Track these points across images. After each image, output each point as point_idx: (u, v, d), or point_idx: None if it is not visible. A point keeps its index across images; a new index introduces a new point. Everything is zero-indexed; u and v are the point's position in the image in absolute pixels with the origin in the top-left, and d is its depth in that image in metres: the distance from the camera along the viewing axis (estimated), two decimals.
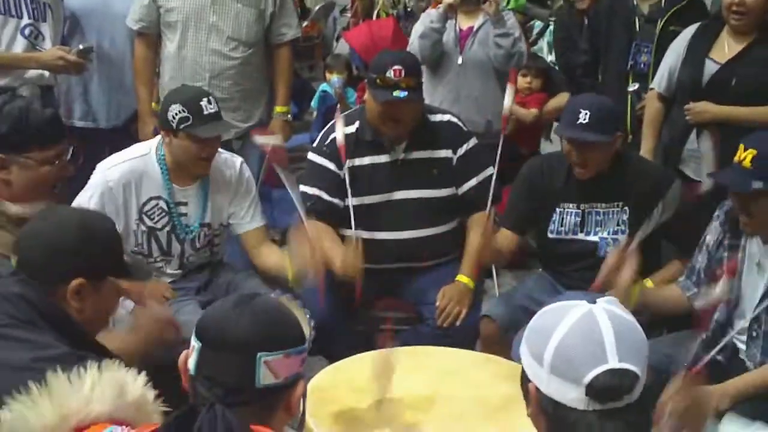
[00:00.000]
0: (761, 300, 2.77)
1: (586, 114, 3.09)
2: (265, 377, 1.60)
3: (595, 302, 1.58)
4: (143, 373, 1.74)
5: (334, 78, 5.81)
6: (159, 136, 3.28)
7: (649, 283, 3.12)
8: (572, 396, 1.52)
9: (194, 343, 1.65)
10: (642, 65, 4.28)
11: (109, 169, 3.22)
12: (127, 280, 2.29)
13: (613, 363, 1.51)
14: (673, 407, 2.29)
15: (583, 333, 1.54)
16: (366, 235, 3.38)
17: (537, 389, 1.57)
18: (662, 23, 4.22)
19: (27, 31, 3.88)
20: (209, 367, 1.62)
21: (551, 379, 1.54)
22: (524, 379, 1.62)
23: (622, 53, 4.34)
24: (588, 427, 1.51)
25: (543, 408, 1.57)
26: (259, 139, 3.18)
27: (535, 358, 1.57)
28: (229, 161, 3.38)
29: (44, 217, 2.16)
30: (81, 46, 3.86)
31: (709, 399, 2.62)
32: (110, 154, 3.35)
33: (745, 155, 2.66)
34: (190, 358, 1.65)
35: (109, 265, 2.13)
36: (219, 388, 1.60)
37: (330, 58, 6.48)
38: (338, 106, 5.09)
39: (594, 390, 1.50)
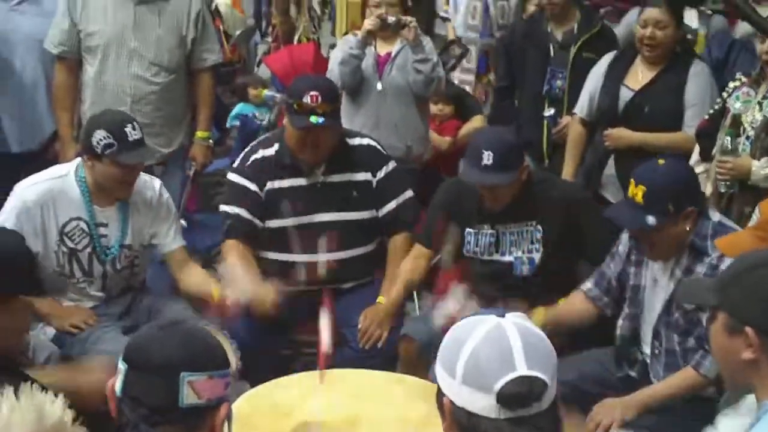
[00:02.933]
0: (659, 317, 2.88)
1: (489, 155, 3.10)
2: (188, 397, 1.62)
3: (503, 316, 1.63)
4: (60, 396, 1.74)
5: (267, 93, 5.83)
6: (78, 158, 3.26)
7: (562, 302, 3.20)
8: (484, 404, 1.55)
9: (120, 366, 1.66)
10: (557, 90, 4.40)
11: (27, 189, 3.20)
12: (39, 297, 2.24)
13: (522, 370, 1.55)
14: None
15: (493, 343, 1.57)
16: (286, 257, 3.40)
17: (451, 402, 1.60)
18: (575, 50, 4.35)
19: None
20: (134, 388, 1.63)
21: (463, 390, 1.57)
22: (439, 395, 1.65)
23: (537, 78, 4.45)
24: None
25: (457, 420, 1.60)
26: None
27: (448, 371, 1.60)
28: (149, 183, 3.38)
29: None
30: None
31: (606, 414, 2.74)
32: (23, 178, 3.31)
33: (636, 191, 2.75)
34: (117, 381, 1.66)
35: (18, 283, 2.09)
36: (143, 408, 1.61)
37: (243, 78, 6.50)
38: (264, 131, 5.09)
39: (504, 397, 1.53)
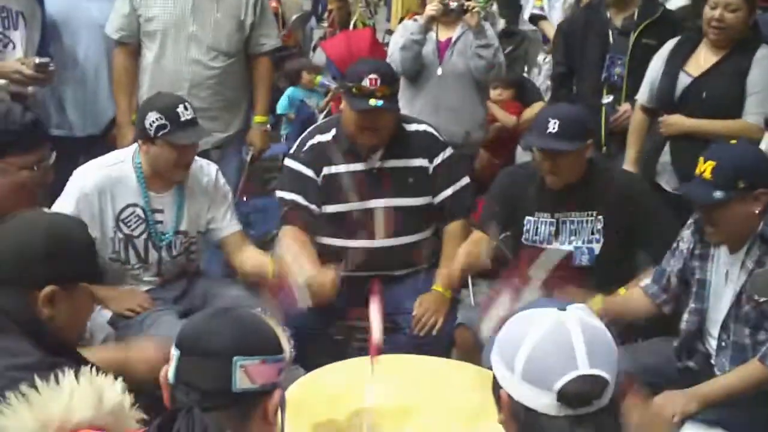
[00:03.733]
0: (728, 310, 2.81)
1: (555, 123, 3.12)
2: (241, 381, 1.62)
3: (565, 309, 1.60)
4: (120, 380, 1.75)
5: (322, 79, 5.84)
6: (135, 144, 3.28)
7: (622, 291, 3.16)
8: (543, 402, 1.53)
9: (173, 352, 1.67)
10: (616, 77, 4.32)
11: (85, 176, 3.23)
12: (100, 285, 2.26)
13: (584, 369, 1.52)
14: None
15: (554, 340, 1.55)
16: (341, 243, 3.40)
17: (509, 396, 1.59)
18: (635, 36, 4.27)
19: None
20: (187, 373, 1.63)
21: (522, 386, 1.56)
22: (496, 387, 1.63)
23: (596, 65, 4.38)
24: (559, 431, 1.54)
25: (514, 414, 1.58)
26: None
27: (507, 365, 1.59)
28: (205, 168, 3.40)
29: (12, 223, 2.11)
30: (37, 60, 3.77)
31: (667, 406, 2.67)
32: (85, 162, 3.35)
33: (704, 167, 2.71)
34: (170, 368, 1.67)
35: (82, 271, 2.10)
36: (196, 392, 1.61)
37: (297, 62, 6.51)
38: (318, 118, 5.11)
39: (565, 396, 1.52)
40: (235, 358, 1.61)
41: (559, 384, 1.52)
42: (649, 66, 4.03)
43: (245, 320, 1.70)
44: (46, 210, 2.26)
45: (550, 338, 1.56)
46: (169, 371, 1.66)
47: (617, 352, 1.61)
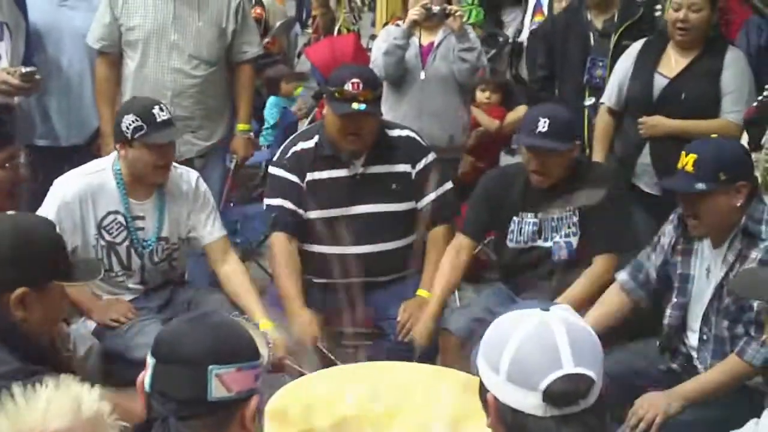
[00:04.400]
0: (709, 303, 2.83)
1: (545, 122, 3.15)
2: (216, 390, 1.61)
3: (548, 310, 1.61)
4: (97, 387, 1.74)
5: (302, 91, 5.85)
6: (115, 152, 3.28)
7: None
8: (530, 403, 1.53)
9: (149, 360, 1.66)
10: (597, 80, 4.33)
11: (66, 185, 3.22)
12: (71, 282, 2.24)
13: (569, 368, 1.53)
14: None
15: (538, 340, 1.55)
16: (326, 249, 3.40)
17: (495, 399, 1.58)
18: (616, 38, 4.28)
19: None
20: (163, 381, 1.63)
21: (508, 388, 1.55)
22: (482, 390, 1.63)
23: (577, 68, 4.39)
24: None
25: (501, 417, 1.58)
26: None
27: (492, 367, 1.58)
28: (185, 175, 3.40)
29: None
30: (23, 69, 3.73)
31: (650, 407, 2.69)
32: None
33: (686, 160, 2.75)
34: (146, 375, 1.66)
35: (52, 270, 2.09)
36: (172, 402, 1.61)
37: (273, 71, 6.52)
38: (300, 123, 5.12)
39: (551, 396, 1.52)
40: (210, 366, 1.61)
41: (544, 384, 1.52)
42: (615, 68, 4.05)
43: (221, 327, 1.69)
44: (10, 212, 2.24)
45: (534, 338, 1.56)
46: (146, 379, 1.66)
47: (601, 351, 1.61)
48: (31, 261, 2.03)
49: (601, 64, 4.32)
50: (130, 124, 3.13)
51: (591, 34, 4.38)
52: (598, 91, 4.31)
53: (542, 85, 4.71)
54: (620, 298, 3.08)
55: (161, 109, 3.18)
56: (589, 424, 1.54)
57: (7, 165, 2.62)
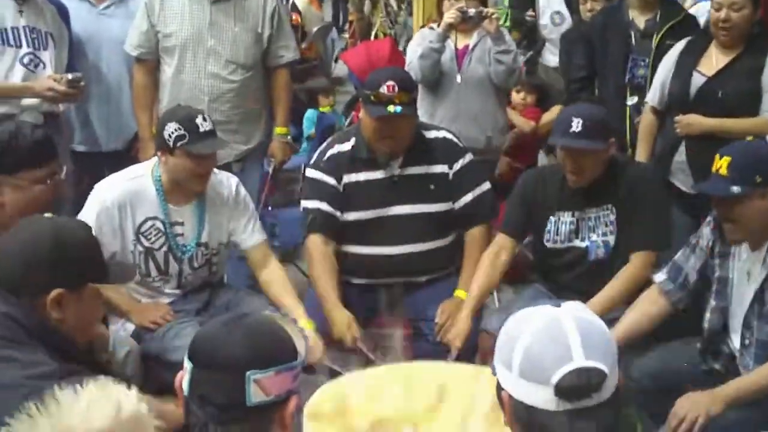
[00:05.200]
0: (750, 307, 2.79)
1: (579, 122, 3.13)
2: (255, 395, 1.61)
3: (559, 306, 1.62)
4: (134, 387, 1.76)
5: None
6: (155, 158, 3.31)
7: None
8: (542, 397, 1.54)
9: (186, 364, 1.66)
10: (639, 79, 4.30)
11: (106, 190, 3.25)
12: (108, 284, 2.26)
13: (579, 361, 1.53)
14: None
15: (549, 335, 1.56)
16: (363, 250, 3.41)
17: (510, 396, 1.59)
18: (658, 38, 4.25)
19: (26, 60, 3.91)
20: (201, 387, 1.63)
21: (521, 383, 1.56)
22: (498, 388, 1.64)
23: (618, 68, 4.37)
24: (560, 427, 1.53)
25: (516, 413, 1.59)
26: None
27: (505, 364, 1.59)
28: (225, 181, 3.41)
29: (17, 230, 2.14)
30: (70, 76, 3.86)
31: (692, 408, 2.65)
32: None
33: (720, 163, 2.72)
34: (184, 379, 1.67)
35: (88, 272, 2.12)
36: (211, 407, 1.61)
37: (316, 83, 6.55)
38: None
39: (562, 389, 1.52)
40: (248, 372, 1.60)
41: (555, 378, 1.52)
42: (659, 68, 4.03)
43: (257, 330, 1.68)
44: (47, 215, 2.28)
45: (545, 333, 1.57)
46: (184, 382, 1.66)
47: (615, 346, 1.61)
48: (68, 263, 2.06)
49: (643, 63, 4.28)
50: (172, 133, 3.14)
51: (632, 34, 4.35)
52: (640, 90, 4.28)
53: (581, 85, 4.68)
54: (659, 301, 3.05)
55: (204, 119, 3.19)
56: (603, 418, 1.54)
57: (48, 181, 2.64)
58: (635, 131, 4.33)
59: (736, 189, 2.67)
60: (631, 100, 4.34)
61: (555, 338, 1.55)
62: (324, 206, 3.44)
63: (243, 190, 3.46)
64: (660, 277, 3.06)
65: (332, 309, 3.27)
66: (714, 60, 3.81)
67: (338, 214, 3.45)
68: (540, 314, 1.60)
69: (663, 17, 4.30)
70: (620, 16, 4.43)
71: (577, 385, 1.52)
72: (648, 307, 3.05)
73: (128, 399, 1.71)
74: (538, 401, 1.54)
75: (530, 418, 1.56)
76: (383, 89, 3.28)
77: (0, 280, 2.03)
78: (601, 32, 4.52)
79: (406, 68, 4.45)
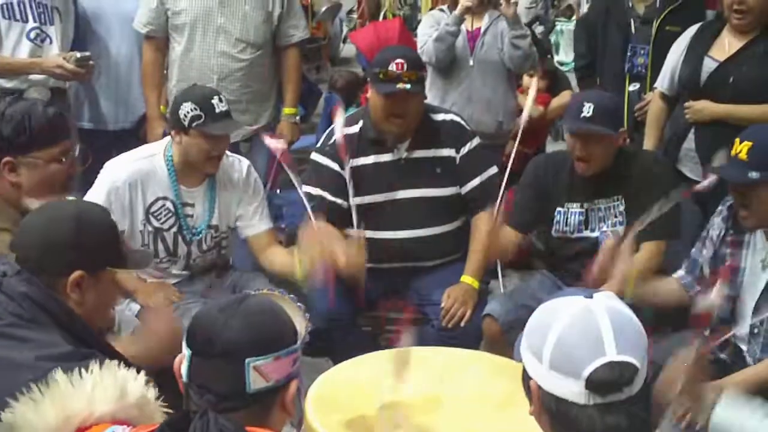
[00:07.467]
0: (761, 295, 2.77)
1: (590, 107, 3.12)
2: (255, 382, 1.60)
3: (592, 297, 1.60)
4: (143, 372, 1.76)
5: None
6: (167, 138, 3.30)
7: None
8: (573, 390, 1.53)
9: (185, 350, 1.65)
10: (639, 67, 4.29)
11: (117, 169, 3.24)
12: (126, 270, 2.27)
13: (612, 355, 1.51)
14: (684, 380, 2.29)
15: (581, 327, 1.55)
16: (369, 234, 3.39)
17: (538, 386, 1.58)
18: (658, 24, 4.21)
19: (32, 35, 3.90)
20: (200, 374, 1.62)
21: (551, 375, 1.55)
22: (525, 377, 1.63)
23: (618, 56, 4.34)
24: (590, 420, 1.52)
25: (545, 405, 1.58)
26: (269, 141, 3.17)
27: (535, 355, 1.58)
28: (236, 164, 3.40)
29: (39, 212, 2.15)
30: (78, 55, 3.84)
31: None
32: (117, 155, 3.37)
33: (740, 148, 2.68)
34: (183, 365, 1.65)
35: (107, 256, 2.12)
36: (211, 395, 1.60)
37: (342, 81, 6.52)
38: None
39: (594, 383, 1.51)
40: (247, 360, 1.59)
41: (587, 371, 1.51)
42: (669, 53, 3.96)
43: (256, 315, 1.66)
44: (70, 198, 2.29)
45: (577, 326, 1.55)
46: (183, 368, 1.65)
47: (645, 338, 1.59)
48: (90, 246, 2.07)
49: (642, 51, 4.26)
50: (188, 113, 3.12)
51: (632, 21, 4.32)
52: (639, 79, 4.26)
53: (583, 73, 4.65)
54: (678, 293, 3.04)
55: (220, 100, 3.17)
56: (633, 412, 1.53)
57: (63, 159, 2.64)
58: (633, 118, 4.31)
59: (754, 175, 2.64)
60: (633, 87, 4.33)
61: (587, 330, 1.54)
62: (327, 195, 3.44)
63: (254, 174, 3.44)
64: (679, 272, 3.06)
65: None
66: (726, 45, 3.72)
67: (340, 202, 3.43)
68: (572, 305, 1.58)
69: (663, 2, 4.25)
70: (620, 3, 4.40)
71: (608, 380, 1.51)
72: (670, 286, 3.06)
73: (134, 384, 1.72)
74: (568, 394, 1.53)
75: (559, 410, 1.55)
76: (392, 67, 3.28)
77: (21, 261, 2.04)
78: (601, 20, 4.49)
79: (419, 51, 4.42)
